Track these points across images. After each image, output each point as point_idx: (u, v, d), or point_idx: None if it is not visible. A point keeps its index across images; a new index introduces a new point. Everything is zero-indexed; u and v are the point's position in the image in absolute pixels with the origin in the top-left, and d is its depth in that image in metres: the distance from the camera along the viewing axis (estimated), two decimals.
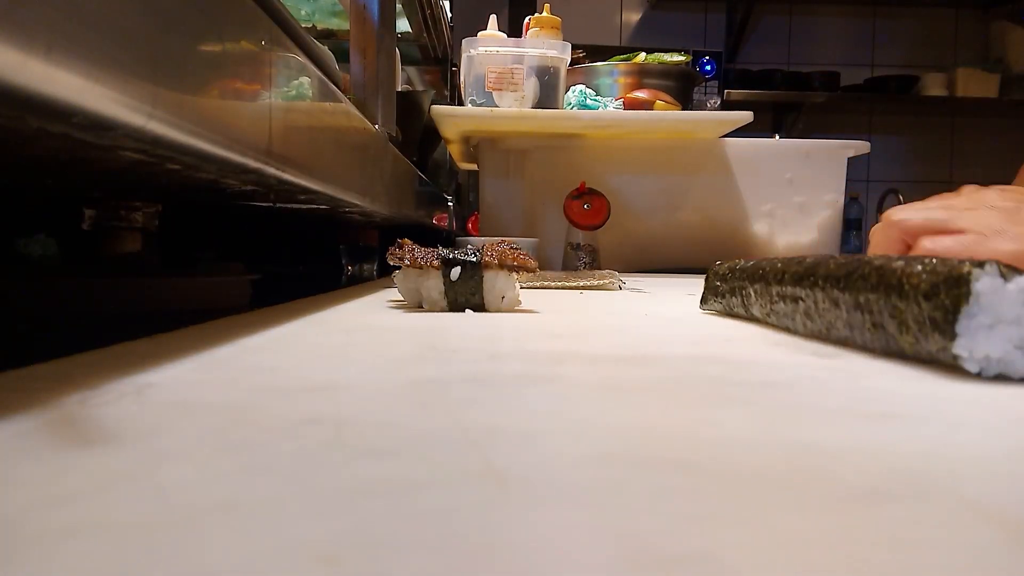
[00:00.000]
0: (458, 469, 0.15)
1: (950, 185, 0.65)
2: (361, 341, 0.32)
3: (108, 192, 0.38)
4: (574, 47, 1.26)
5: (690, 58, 1.37)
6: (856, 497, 0.14)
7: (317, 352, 0.29)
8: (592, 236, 1.01)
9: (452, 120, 1.11)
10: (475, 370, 0.26)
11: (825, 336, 0.32)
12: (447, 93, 1.79)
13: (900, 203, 2.62)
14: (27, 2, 0.20)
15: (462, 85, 1.25)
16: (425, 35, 1.54)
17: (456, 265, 0.44)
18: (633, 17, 3.10)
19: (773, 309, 0.36)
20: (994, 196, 0.60)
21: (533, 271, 0.45)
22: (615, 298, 0.61)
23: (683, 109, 1.17)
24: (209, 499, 0.13)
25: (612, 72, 1.30)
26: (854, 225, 2.82)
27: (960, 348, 0.24)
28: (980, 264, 0.24)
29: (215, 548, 0.11)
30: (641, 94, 1.19)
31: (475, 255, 0.44)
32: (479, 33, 1.20)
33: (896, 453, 0.17)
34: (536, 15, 1.28)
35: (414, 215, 1.03)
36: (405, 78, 1.72)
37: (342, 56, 1.10)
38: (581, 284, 0.69)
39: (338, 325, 0.38)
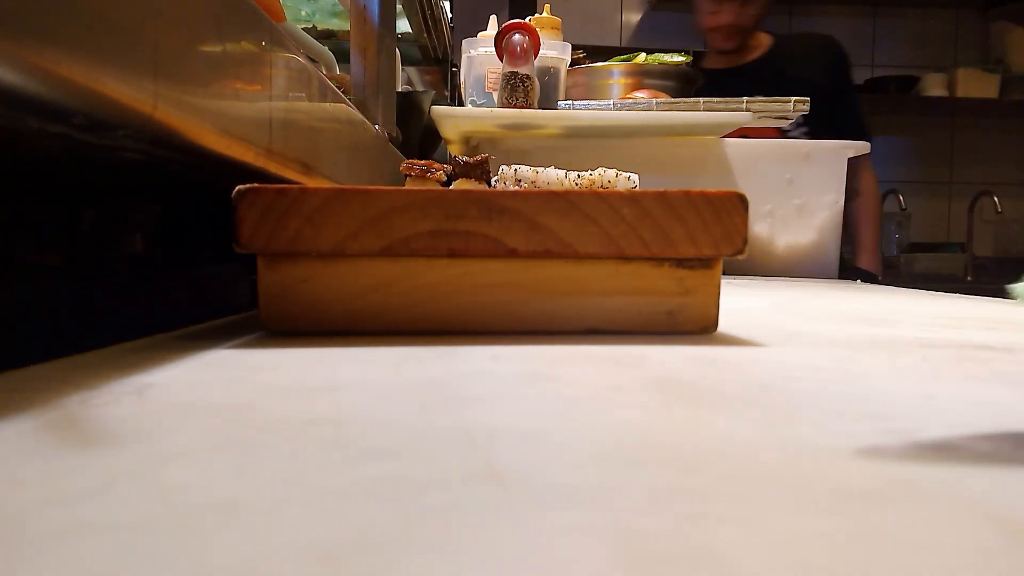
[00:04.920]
0: (458, 469, 0.15)
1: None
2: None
3: (108, 192, 0.38)
4: (574, 48, 1.26)
5: (690, 59, 1.37)
6: (856, 497, 0.14)
7: (317, 350, 0.29)
8: None
9: (452, 120, 1.11)
10: (475, 370, 0.26)
11: None
12: (447, 93, 1.79)
13: (900, 203, 2.62)
14: (28, 2, 0.20)
15: (462, 85, 1.26)
16: (425, 35, 1.54)
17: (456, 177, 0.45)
18: (633, 18, 3.10)
19: None
20: None
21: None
22: None
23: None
24: (209, 499, 0.13)
25: (612, 73, 1.30)
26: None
27: None
28: None
29: (215, 548, 0.11)
30: (641, 95, 1.19)
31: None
32: (479, 34, 1.20)
33: (896, 453, 0.17)
34: (536, 15, 1.28)
35: None
36: (405, 78, 1.72)
37: (342, 56, 1.10)
38: None
39: None
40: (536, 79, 1.10)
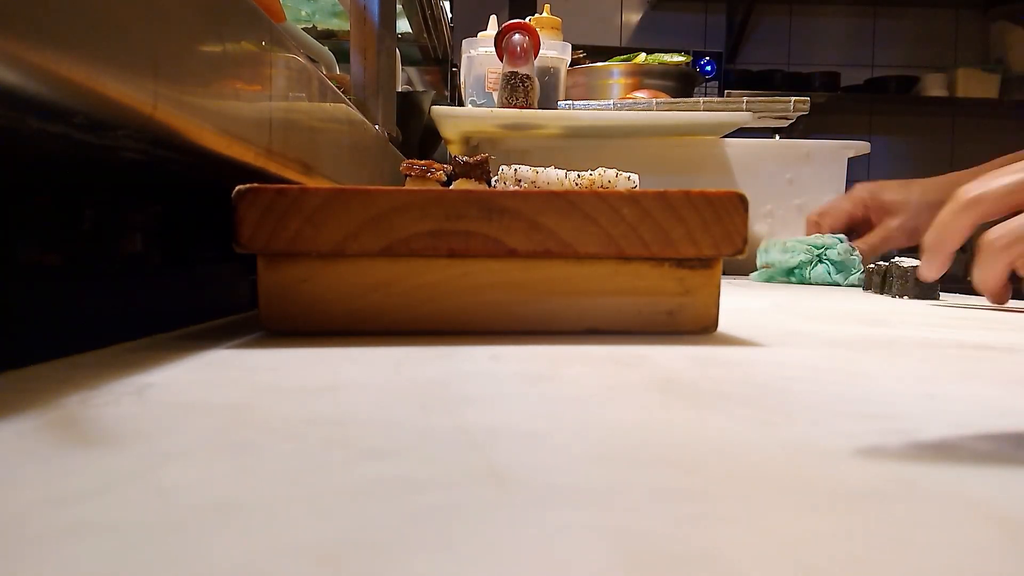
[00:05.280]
0: (458, 469, 0.15)
1: None
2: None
3: (108, 192, 0.38)
4: (574, 47, 1.26)
5: (690, 59, 1.37)
6: (856, 497, 0.14)
7: (317, 350, 0.29)
8: None
9: (452, 120, 1.11)
10: (475, 370, 0.26)
11: None
12: (447, 93, 1.79)
13: None
14: (28, 2, 0.20)
15: (462, 85, 1.26)
16: (425, 36, 1.54)
17: (455, 178, 0.46)
18: (633, 18, 3.10)
19: None
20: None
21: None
22: None
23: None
24: (209, 499, 0.13)
25: (612, 73, 1.30)
26: None
27: None
28: None
29: (215, 548, 0.11)
30: (641, 95, 1.19)
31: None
32: (479, 33, 1.20)
33: (896, 453, 0.17)
34: (536, 15, 1.28)
35: None
36: (405, 78, 1.72)
37: (342, 56, 1.10)
38: None
39: None
40: (536, 79, 1.10)
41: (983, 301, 0.57)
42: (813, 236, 0.92)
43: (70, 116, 0.24)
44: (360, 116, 0.70)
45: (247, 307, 0.49)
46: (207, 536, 0.11)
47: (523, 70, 1.08)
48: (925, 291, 0.66)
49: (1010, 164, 0.53)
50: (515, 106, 1.08)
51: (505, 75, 1.09)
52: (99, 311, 0.36)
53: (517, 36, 1.07)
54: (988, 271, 0.53)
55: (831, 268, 0.86)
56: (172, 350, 0.29)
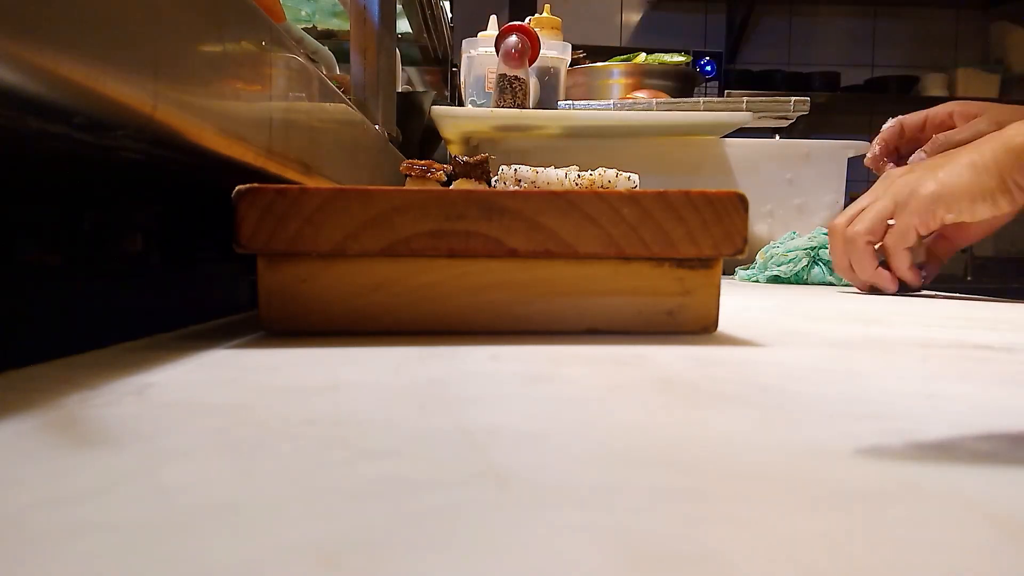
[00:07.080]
0: (459, 469, 0.15)
1: None
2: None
3: (108, 192, 0.38)
4: (574, 47, 1.26)
5: (690, 59, 1.37)
6: (856, 497, 0.14)
7: (317, 350, 0.29)
8: None
9: (452, 121, 1.11)
10: (475, 370, 0.26)
11: None
12: (447, 93, 1.79)
13: None
14: (28, 2, 0.20)
15: (462, 85, 1.26)
16: (425, 36, 1.54)
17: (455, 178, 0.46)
18: (633, 17, 3.10)
19: None
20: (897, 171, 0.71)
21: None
22: None
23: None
24: (209, 499, 0.13)
25: (612, 73, 1.30)
26: None
27: None
28: None
29: (215, 548, 0.11)
30: (641, 95, 1.19)
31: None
32: (479, 33, 1.20)
33: (896, 453, 0.17)
34: (536, 15, 1.28)
35: None
36: (405, 79, 1.72)
37: (342, 56, 1.10)
38: None
39: None
40: (529, 82, 1.10)
41: (983, 301, 0.57)
42: (807, 237, 0.91)
43: (70, 116, 0.24)
44: (360, 116, 0.70)
45: (247, 307, 0.49)
46: (207, 536, 0.11)
47: (515, 73, 1.08)
48: (904, 285, 0.70)
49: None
50: (506, 107, 1.08)
51: (497, 76, 1.09)
52: (99, 311, 0.36)
53: (512, 39, 1.07)
54: (858, 264, 0.70)
55: (825, 269, 0.87)
56: (172, 350, 0.29)
